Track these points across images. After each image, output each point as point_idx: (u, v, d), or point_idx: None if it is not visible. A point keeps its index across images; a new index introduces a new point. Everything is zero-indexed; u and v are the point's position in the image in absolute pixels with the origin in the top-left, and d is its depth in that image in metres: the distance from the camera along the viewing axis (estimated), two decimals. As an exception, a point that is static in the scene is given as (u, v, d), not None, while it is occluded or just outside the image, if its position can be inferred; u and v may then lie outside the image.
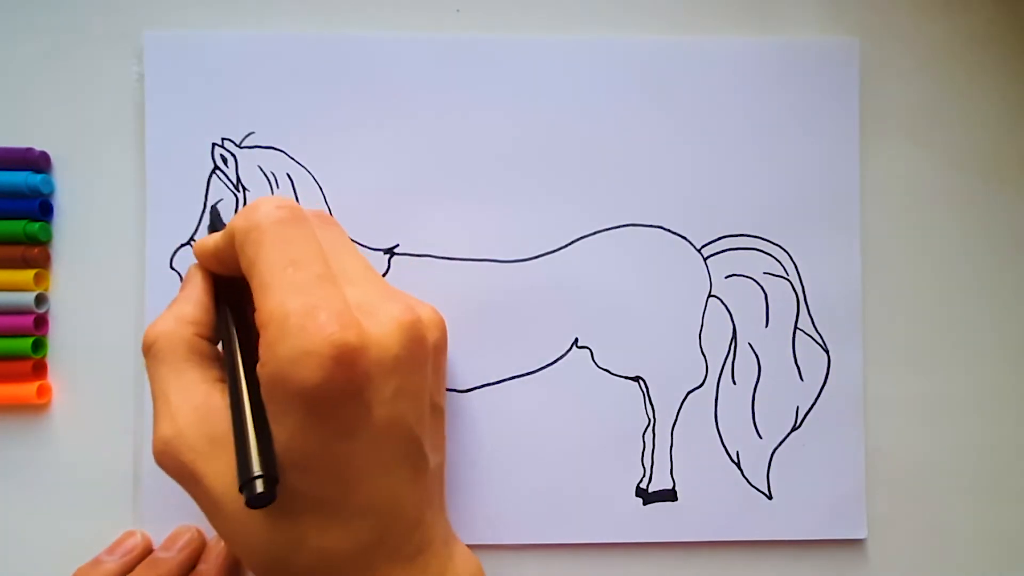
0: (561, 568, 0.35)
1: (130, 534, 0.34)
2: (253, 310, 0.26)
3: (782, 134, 0.36)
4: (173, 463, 0.26)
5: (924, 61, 0.37)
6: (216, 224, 0.34)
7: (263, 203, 0.27)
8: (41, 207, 0.35)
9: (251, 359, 0.27)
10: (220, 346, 0.30)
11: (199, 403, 0.27)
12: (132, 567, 0.33)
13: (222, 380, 0.28)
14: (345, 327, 0.24)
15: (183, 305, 0.29)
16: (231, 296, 0.30)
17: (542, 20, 0.36)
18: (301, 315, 0.24)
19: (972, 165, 0.37)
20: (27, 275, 0.34)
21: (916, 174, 0.37)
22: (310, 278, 0.25)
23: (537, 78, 0.36)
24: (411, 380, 0.27)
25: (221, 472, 0.26)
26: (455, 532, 0.32)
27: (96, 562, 0.33)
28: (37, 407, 0.35)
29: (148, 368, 0.28)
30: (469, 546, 0.35)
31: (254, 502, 0.24)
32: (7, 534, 0.35)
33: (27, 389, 0.34)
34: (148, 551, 0.34)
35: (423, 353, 0.27)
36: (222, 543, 0.34)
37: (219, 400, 0.27)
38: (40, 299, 0.35)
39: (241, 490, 0.24)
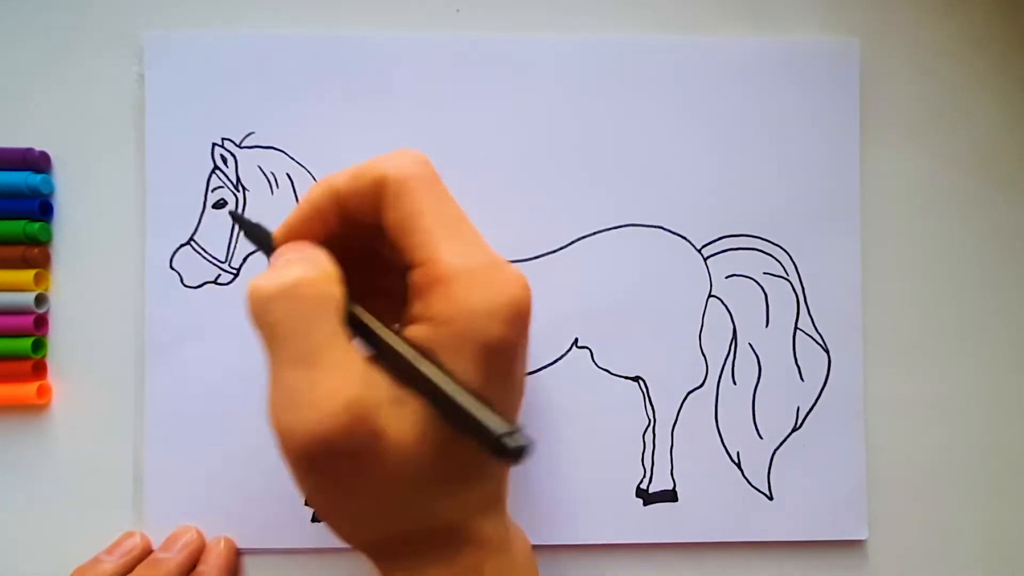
0: (561, 568, 0.35)
1: (129, 534, 0.34)
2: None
3: (782, 134, 0.36)
4: (357, 432, 0.22)
5: (924, 61, 0.37)
6: (249, 228, 0.29)
7: (410, 153, 0.26)
8: (41, 207, 0.35)
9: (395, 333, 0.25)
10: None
11: (361, 364, 0.23)
12: (131, 567, 0.33)
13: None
14: (524, 286, 0.25)
15: (320, 260, 0.25)
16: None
17: (542, 20, 0.36)
18: (490, 268, 0.24)
19: (972, 165, 0.37)
20: (27, 275, 0.34)
21: (916, 174, 0.37)
22: (475, 234, 0.25)
23: (537, 78, 0.36)
24: (526, 335, 0.26)
25: (405, 432, 0.23)
26: None
27: (95, 562, 0.33)
28: (37, 407, 0.35)
29: (285, 319, 0.23)
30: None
31: (519, 454, 0.22)
32: (7, 534, 0.35)
33: (27, 389, 0.34)
34: (147, 551, 0.34)
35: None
36: (222, 544, 0.34)
37: (373, 365, 0.24)
38: (40, 299, 0.35)
39: (499, 443, 0.22)
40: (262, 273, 0.24)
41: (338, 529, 0.26)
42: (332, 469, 0.23)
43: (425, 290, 0.24)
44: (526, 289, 0.25)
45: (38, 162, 0.35)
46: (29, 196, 0.35)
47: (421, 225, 0.24)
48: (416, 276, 0.24)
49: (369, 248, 0.27)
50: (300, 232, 0.26)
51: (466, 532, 0.26)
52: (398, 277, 0.26)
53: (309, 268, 0.24)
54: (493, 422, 0.22)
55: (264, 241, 0.28)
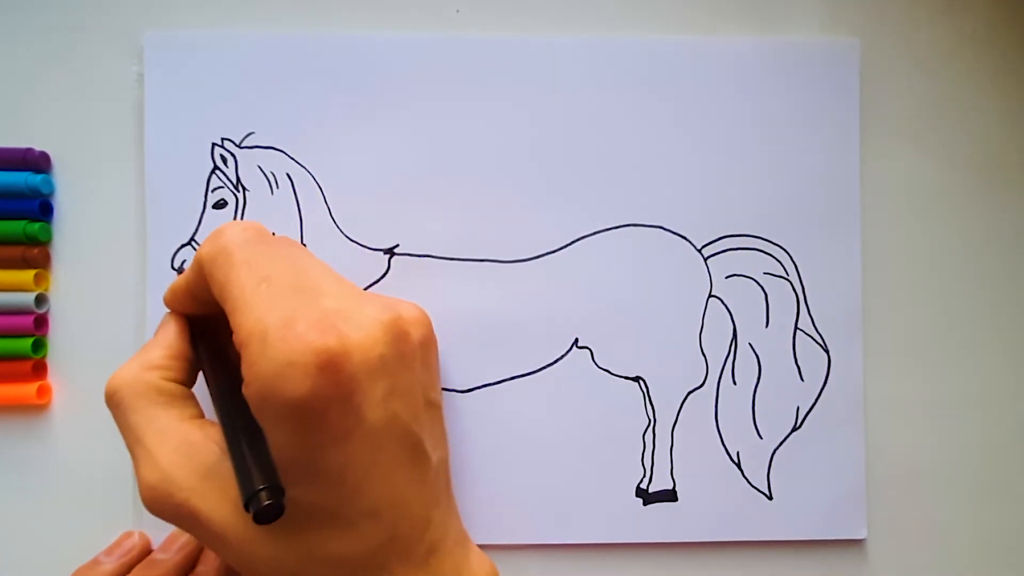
0: (561, 568, 0.35)
1: (128, 535, 0.34)
2: (230, 337, 0.26)
3: (782, 134, 0.36)
4: (166, 506, 0.26)
5: (924, 61, 0.37)
6: None
7: (227, 228, 0.27)
8: (41, 207, 0.35)
9: (235, 386, 0.27)
10: (204, 381, 0.30)
11: (179, 441, 0.27)
12: (130, 567, 0.33)
13: (197, 416, 0.28)
14: (324, 333, 0.24)
15: (149, 351, 0.29)
16: (207, 332, 0.31)
17: (542, 20, 0.36)
18: (279, 328, 0.24)
19: (972, 165, 0.37)
20: (27, 275, 0.34)
21: (916, 174, 0.37)
22: (284, 291, 0.25)
23: (537, 78, 0.36)
24: (401, 378, 0.26)
25: (218, 503, 0.26)
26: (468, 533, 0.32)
27: (94, 563, 0.33)
28: (37, 407, 0.35)
29: (116, 419, 0.28)
30: (469, 546, 0.35)
31: (262, 516, 0.24)
32: (7, 534, 0.35)
33: (27, 389, 0.34)
34: (147, 551, 0.34)
35: (409, 350, 0.27)
36: None
37: (198, 435, 0.27)
38: (40, 299, 0.35)
39: (247, 507, 0.24)
40: (122, 365, 0.29)
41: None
42: (184, 530, 0.27)
43: (241, 355, 0.25)
44: (329, 337, 0.24)
45: (38, 162, 0.35)
46: (29, 196, 0.35)
47: (229, 294, 0.26)
48: (235, 341, 0.25)
49: None
50: (176, 303, 0.31)
51: None
52: None
53: (128, 369, 0.28)
54: (254, 477, 0.24)
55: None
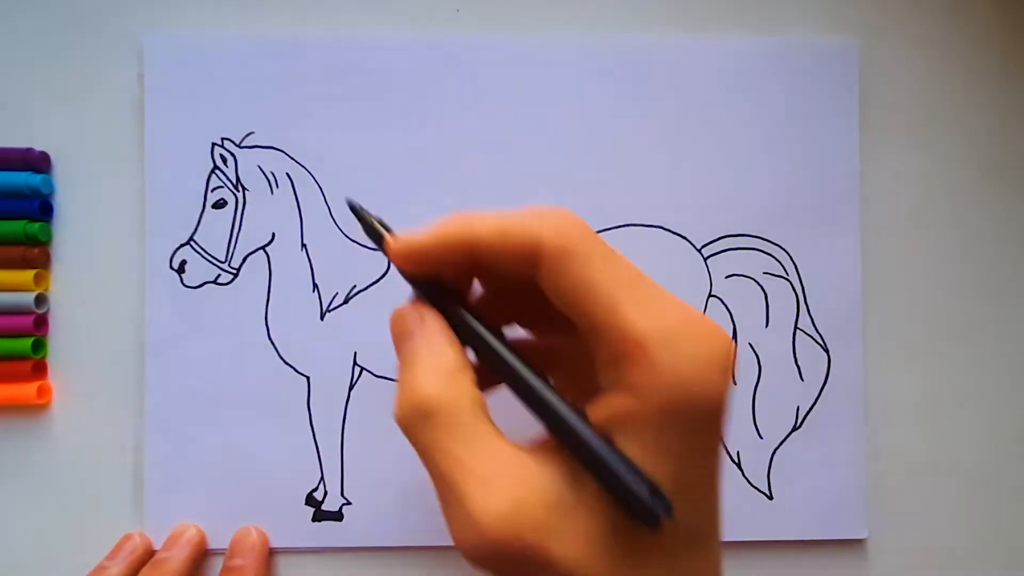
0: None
1: (128, 537, 0.34)
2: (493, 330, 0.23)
3: (782, 134, 0.36)
4: (516, 549, 0.21)
5: (924, 61, 0.37)
6: (367, 225, 0.26)
7: (566, 216, 0.23)
8: (41, 207, 0.35)
9: (550, 388, 0.23)
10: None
11: (520, 466, 0.22)
12: (136, 569, 0.33)
13: (502, 435, 0.23)
14: (726, 336, 0.22)
15: (438, 351, 0.23)
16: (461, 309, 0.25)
17: (542, 20, 0.36)
18: (689, 324, 0.21)
19: (972, 165, 0.37)
20: (27, 275, 0.34)
21: (916, 174, 0.37)
22: (660, 291, 0.22)
23: (537, 78, 0.36)
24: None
25: (577, 544, 0.21)
26: None
27: (100, 569, 0.33)
28: (37, 407, 0.35)
29: (427, 442, 0.22)
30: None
31: (655, 519, 0.20)
32: (7, 534, 0.35)
33: (27, 389, 0.34)
34: (148, 551, 0.34)
35: None
36: (254, 534, 0.34)
37: (529, 459, 0.22)
38: (40, 299, 0.35)
39: (642, 515, 0.20)
40: (398, 385, 0.23)
41: None
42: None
43: (615, 360, 0.22)
44: (730, 342, 0.22)
45: (38, 162, 0.35)
46: (29, 196, 0.35)
47: (598, 291, 0.22)
48: (600, 345, 0.22)
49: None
50: (420, 259, 0.24)
51: None
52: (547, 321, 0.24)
53: (431, 377, 0.23)
54: (636, 482, 0.20)
55: (378, 241, 0.26)
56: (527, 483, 0.21)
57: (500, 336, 0.24)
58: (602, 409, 0.22)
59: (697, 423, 0.21)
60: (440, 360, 0.23)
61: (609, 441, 0.21)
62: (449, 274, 0.25)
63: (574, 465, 0.22)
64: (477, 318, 0.24)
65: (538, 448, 0.23)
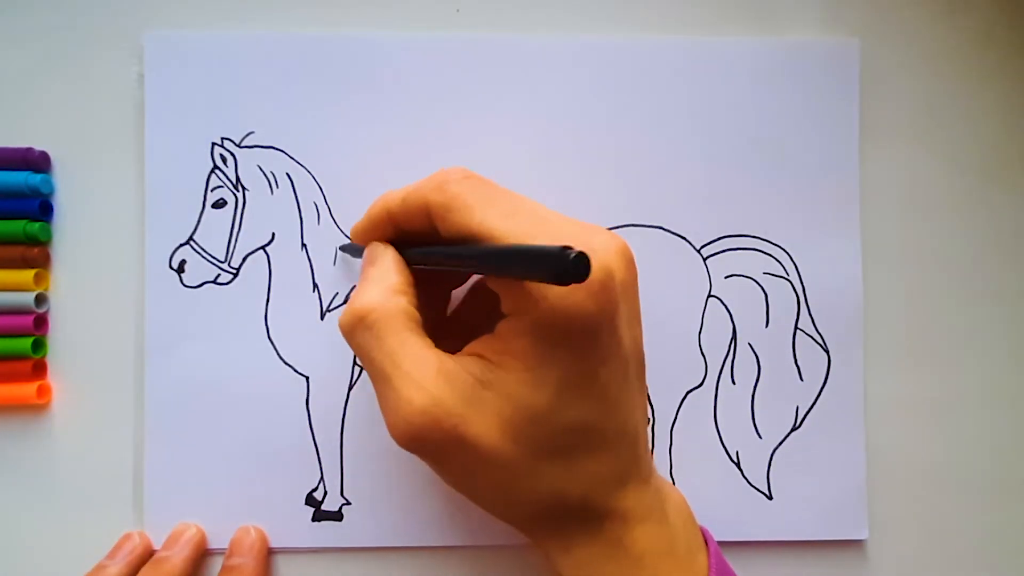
0: (561, 568, 0.35)
1: (128, 536, 0.34)
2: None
3: (782, 134, 0.36)
4: (433, 432, 0.25)
5: (924, 61, 0.37)
6: (349, 250, 0.35)
7: (448, 174, 0.27)
8: (41, 207, 0.35)
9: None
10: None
11: (438, 367, 0.26)
12: (136, 568, 0.33)
13: (437, 349, 0.27)
14: (595, 253, 0.24)
15: (386, 277, 0.28)
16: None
17: (542, 20, 0.36)
18: (576, 243, 0.24)
19: (972, 165, 0.37)
20: (27, 275, 0.34)
21: (916, 174, 0.37)
22: (534, 220, 0.26)
23: (537, 78, 0.36)
24: (633, 303, 0.27)
25: (486, 428, 0.25)
26: None
27: (99, 568, 0.33)
28: (37, 407, 0.35)
29: (364, 344, 0.26)
30: (470, 547, 0.35)
31: (583, 266, 0.21)
32: (7, 534, 0.35)
33: (27, 389, 0.34)
34: (148, 551, 0.34)
35: (635, 275, 0.27)
36: (253, 533, 0.34)
37: (451, 363, 0.26)
38: (40, 299, 0.35)
39: (559, 270, 0.21)
40: (359, 290, 0.28)
41: (478, 504, 0.29)
42: (433, 461, 0.27)
43: (505, 288, 0.26)
44: (608, 253, 0.25)
45: (38, 162, 0.35)
46: (29, 196, 0.35)
47: (476, 233, 0.25)
48: (493, 282, 0.26)
49: None
50: (364, 233, 0.30)
51: (603, 507, 0.27)
52: None
53: (374, 292, 0.27)
54: (546, 249, 0.22)
55: (355, 250, 0.33)
56: (446, 379, 0.25)
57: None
58: (501, 328, 0.26)
59: (573, 337, 0.25)
60: (385, 280, 0.28)
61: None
62: (386, 237, 0.30)
63: (485, 366, 0.26)
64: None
65: (459, 355, 0.27)
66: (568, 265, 0.21)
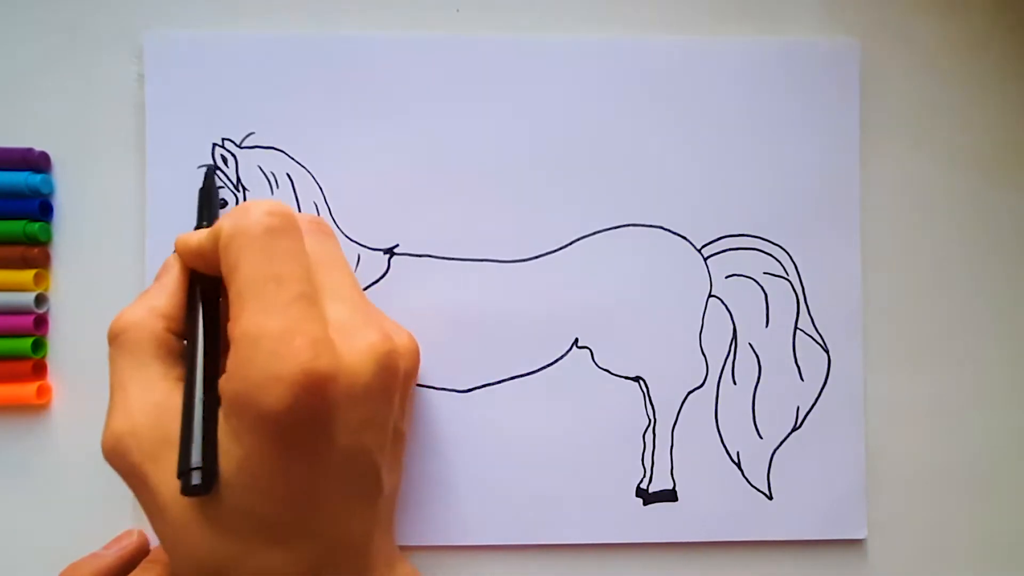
0: (561, 568, 0.35)
1: (128, 533, 0.34)
2: (226, 313, 0.26)
3: (782, 134, 0.36)
4: (122, 461, 0.26)
5: (924, 61, 0.37)
6: (206, 202, 0.34)
7: (254, 207, 0.26)
8: (41, 207, 0.35)
9: (215, 362, 0.27)
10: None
11: (157, 401, 0.26)
12: (129, 561, 0.33)
13: (180, 379, 0.28)
14: (318, 355, 0.24)
15: (157, 296, 0.29)
16: (207, 292, 0.29)
17: (542, 20, 0.36)
18: (275, 338, 0.24)
19: (972, 165, 0.37)
20: (27, 275, 0.34)
21: (916, 174, 0.37)
22: (291, 297, 0.25)
23: (537, 78, 0.36)
24: (379, 410, 0.26)
25: (168, 476, 0.25)
26: (401, 553, 0.32)
27: (94, 555, 0.33)
28: (37, 407, 0.35)
29: (111, 357, 0.28)
30: (470, 547, 0.35)
31: (189, 491, 0.24)
32: (7, 534, 0.35)
33: (27, 389, 0.34)
34: (144, 549, 0.34)
35: (394, 383, 0.27)
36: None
37: (175, 401, 0.26)
38: (40, 299, 0.35)
39: (179, 477, 0.24)
40: (130, 304, 0.29)
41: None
42: (128, 485, 0.27)
43: (231, 347, 0.25)
44: (322, 359, 0.24)
45: (38, 162, 0.35)
46: (29, 196, 0.35)
47: (236, 281, 0.25)
48: (228, 332, 0.25)
49: None
50: (185, 257, 0.30)
51: None
52: None
53: (138, 311, 0.28)
54: (192, 453, 0.25)
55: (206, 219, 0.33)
56: (159, 416, 0.26)
57: (203, 305, 0.29)
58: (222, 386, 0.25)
59: (258, 426, 0.24)
60: (154, 301, 0.28)
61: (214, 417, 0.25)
62: (201, 269, 0.29)
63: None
64: (200, 291, 0.29)
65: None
66: (184, 482, 0.24)
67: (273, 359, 0.24)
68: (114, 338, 0.28)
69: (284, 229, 0.26)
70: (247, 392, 0.24)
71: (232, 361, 0.24)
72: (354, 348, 0.25)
